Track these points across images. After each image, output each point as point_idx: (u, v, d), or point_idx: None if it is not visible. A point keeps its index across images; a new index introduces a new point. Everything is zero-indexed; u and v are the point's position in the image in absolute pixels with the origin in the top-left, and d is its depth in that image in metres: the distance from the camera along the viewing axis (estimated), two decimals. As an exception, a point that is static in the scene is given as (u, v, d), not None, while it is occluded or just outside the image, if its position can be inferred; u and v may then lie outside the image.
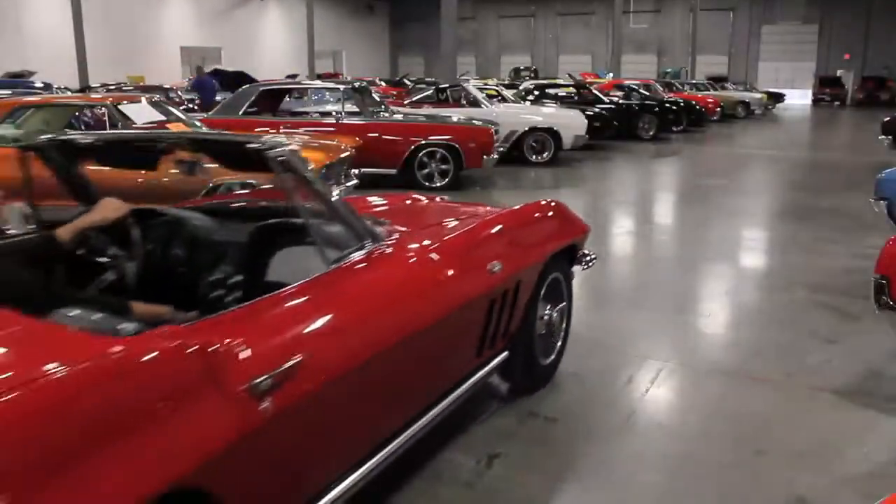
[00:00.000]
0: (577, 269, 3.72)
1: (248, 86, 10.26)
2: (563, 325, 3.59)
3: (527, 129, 12.19)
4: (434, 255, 2.60)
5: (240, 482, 1.67)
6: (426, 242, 2.66)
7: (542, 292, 3.28)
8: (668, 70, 41.36)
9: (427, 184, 9.45)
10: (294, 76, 28.85)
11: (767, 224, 7.80)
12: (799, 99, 38.27)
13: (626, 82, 21.00)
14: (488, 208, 3.59)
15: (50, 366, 1.39)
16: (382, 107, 10.23)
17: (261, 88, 10.02)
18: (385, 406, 2.33)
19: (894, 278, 3.24)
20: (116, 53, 29.43)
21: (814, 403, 3.38)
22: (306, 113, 10.73)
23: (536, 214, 3.44)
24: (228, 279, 2.59)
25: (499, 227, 3.08)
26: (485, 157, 9.38)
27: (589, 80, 25.13)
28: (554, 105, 14.68)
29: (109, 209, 2.61)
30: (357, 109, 9.68)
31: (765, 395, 3.46)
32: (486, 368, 2.94)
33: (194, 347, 1.62)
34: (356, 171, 7.80)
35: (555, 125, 12.12)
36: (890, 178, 5.91)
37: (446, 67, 17.07)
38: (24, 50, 26.93)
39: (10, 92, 12.31)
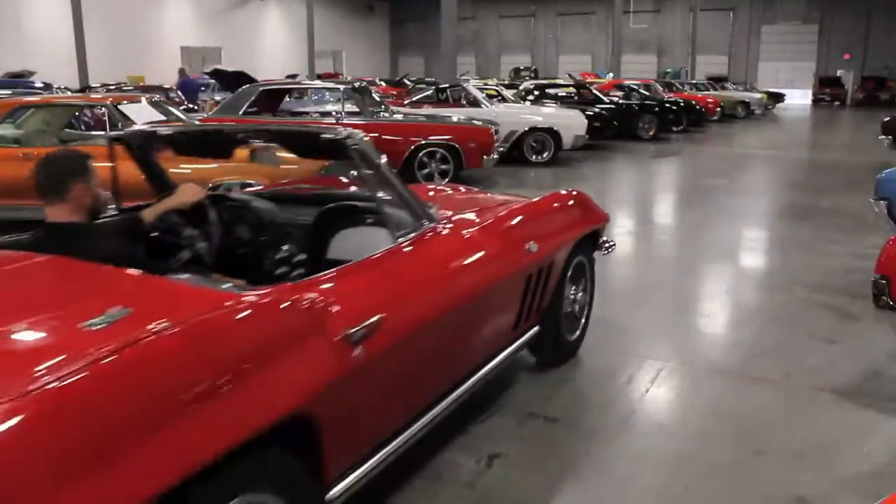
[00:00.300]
0: (597, 254, 3.98)
1: (248, 86, 10.25)
2: (587, 305, 3.90)
3: (527, 129, 12.19)
4: (482, 235, 2.94)
5: (337, 411, 1.98)
6: (474, 224, 3.00)
7: (569, 274, 3.60)
8: (668, 70, 41.36)
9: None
10: (294, 76, 28.85)
11: (767, 224, 7.80)
12: (799, 99, 38.27)
13: (626, 82, 21.00)
14: (516, 197, 3.80)
15: (200, 312, 1.77)
16: (382, 107, 10.23)
17: (261, 88, 10.02)
18: (446, 361, 2.69)
19: (894, 278, 3.24)
20: (116, 53, 29.42)
21: (814, 403, 3.38)
22: (306, 113, 10.73)
23: (562, 203, 3.74)
24: (293, 257, 2.92)
25: (531, 212, 3.42)
26: (485, 157, 9.39)
27: (589, 80, 25.13)
28: (554, 105, 14.68)
29: (189, 193, 2.88)
30: (357, 109, 9.68)
31: (765, 395, 3.46)
32: (522, 340, 3.28)
33: (305, 301, 1.98)
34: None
35: (555, 125, 12.12)
36: (890, 178, 5.91)
37: (446, 67, 17.07)
38: (24, 50, 26.93)
39: (10, 92, 12.32)
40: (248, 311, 1.86)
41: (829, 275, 5.56)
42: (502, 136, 11.48)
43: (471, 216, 3.08)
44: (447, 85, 14.07)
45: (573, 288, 3.69)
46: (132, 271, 2.07)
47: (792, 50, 42.45)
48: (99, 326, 1.66)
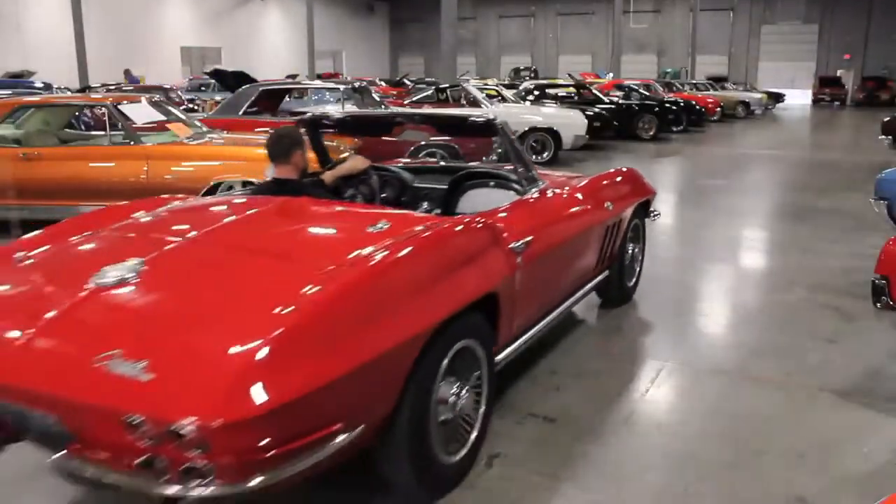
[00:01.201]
0: (647, 220, 4.95)
1: (248, 86, 10.26)
2: (640, 259, 4.96)
3: (527, 129, 12.19)
4: (578, 194, 3.92)
5: (508, 295, 2.93)
6: (569, 187, 3.95)
7: (629, 234, 4.55)
8: (668, 70, 41.38)
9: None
10: (294, 76, 28.85)
11: (767, 224, 7.80)
12: (799, 99, 38.29)
13: (626, 82, 21.01)
14: (573, 174, 4.73)
15: (430, 227, 2.71)
16: (382, 107, 10.23)
17: (261, 88, 10.02)
18: (561, 277, 3.68)
19: (894, 278, 3.25)
20: (116, 53, 29.42)
21: (814, 403, 3.38)
22: (306, 113, 10.72)
23: (623, 176, 4.62)
24: (430, 212, 3.88)
25: (604, 181, 4.33)
26: (484, 157, 9.38)
27: (589, 80, 25.15)
28: (554, 105, 14.68)
29: (359, 162, 3.92)
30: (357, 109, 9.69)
31: (765, 395, 3.46)
32: (597, 280, 4.23)
33: (489, 223, 2.96)
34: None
35: (555, 125, 12.12)
36: (890, 178, 5.91)
37: (446, 67, 17.07)
38: (24, 50, 26.92)
39: (10, 92, 12.32)
40: (461, 227, 2.82)
41: (829, 275, 5.56)
42: (502, 136, 11.46)
43: (561, 182, 4.05)
44: (447, 85, 14.07)
45: (631, 244, 4.68)
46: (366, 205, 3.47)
47: (792, 50, 42.46)
48: (379, 229, 2.67)
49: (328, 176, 3.80)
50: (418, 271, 2.45)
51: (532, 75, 37.37)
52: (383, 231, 2.65)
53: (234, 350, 1.94)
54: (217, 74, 14.98)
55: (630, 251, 4.66)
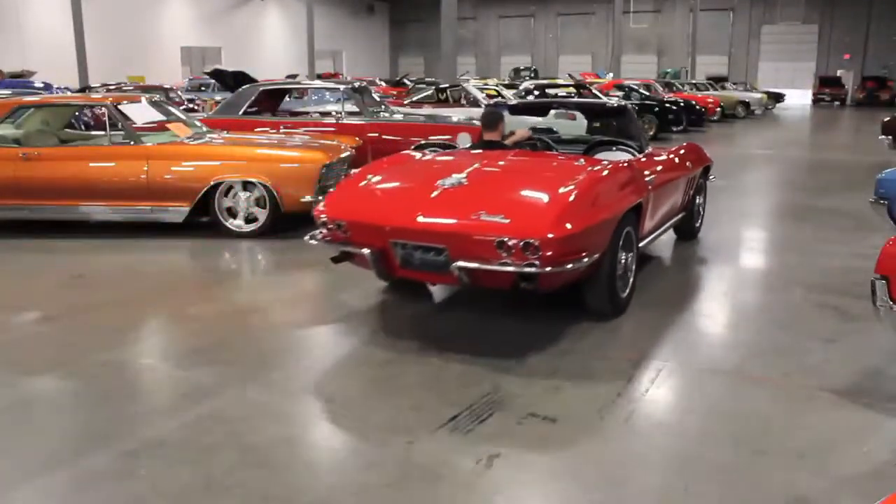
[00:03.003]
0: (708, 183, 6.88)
1: (248, 86, 10.25)
2: (703, 210, 6.81)
3: (527, 128, 12.16)
4: (671, 156, 5.80)
5: (645, 208, 4.72)
6: (665, 151, 5.91)
7: (695, 189, 6.36)
8: (668, 70, 41.35)
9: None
10: (294, 76, 28.85)
11: (767, 224, 7.80)
12: (799, 99, 38.28)
13: (626, 82, 21.00)
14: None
15: (608, 163, 4.57)
16: (382, 107, 10.22)
17: (261, 88, 10.01)
18: (666, 205, 5.45)
19: (894, 278, 3.24)
20: (116, 54, 29.42)
21: (814, 403, 3.38)
22: (306, 113, 10.72)
23: (692, 147, 6.45)
24: None
25: (682, 150, 6.11)
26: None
27: (589, 80, 25.13)
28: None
29: (525, 133, 5.64)
30: (357, 109, 9.67)
31: (765, 395, 3.46)
32: (678, 217, 5.96)
33: (635, 164, 4.81)
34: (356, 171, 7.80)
35: (555, 125, 12.08)
36: (890, 178, 5.91)
37: (446, 67, 17.07)
38: (24, 50, 26.93)
39: (10, 92, 12.32)
40: (626, 163, 4.68)
41: (829, 275, 5.56)
42: (502, 136, 11.46)
43: (657, 150, 5.83)
44: (447, 85, 14.07)
45: (697, 197, 6.54)
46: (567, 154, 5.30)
47: (792, 50, 42.45)
48: (581, 163, 4.54)
49: (509, 141, 5.42)
50: (611, 183, 4.39)
51: (532, 75, 37.37)
52: (584, 164, 4.59)
53: (547, 206, 3.93)
54: (217, 74, 14.96)
55: (697, 201, 6.56)
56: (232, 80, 12.74)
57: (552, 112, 6.25)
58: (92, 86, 19.65)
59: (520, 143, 5.46)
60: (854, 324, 4.42)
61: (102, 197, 6.61)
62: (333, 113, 9.86)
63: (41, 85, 15.66)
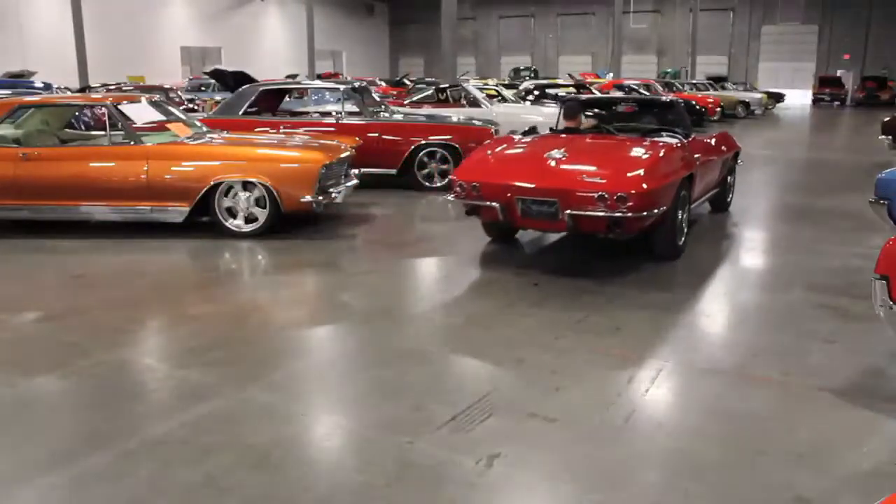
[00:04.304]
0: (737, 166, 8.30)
1: (248, 86, 10.24)
2: (732, 188, 8.30)
3: (527, 129, 12.17)
4: (710, 140, 7.16)
5: (695, 179, 6.15)
6: (705, 136, 7.24)
7: (728, 170, 7.84)
8: (668, 70, 41.35)
9: (427, 184, 9.45)
10: (294, 76, 28.84)
11: (767, 224, 7.80)
12: (799, 99, 38.25)
13: (626, 82, 21.00)
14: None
15: (665, 142, 6.10)
16: (382, 107, 10.21)
17: (261, 88, 10.00)
18: (707, 180, 6.72)
19: (894, 278, 3.24)
20: (116, 54, 29.42)
21: (814, 403, 3.38)
22: (306, 113, 10.72)
23: (724, 134, 7.80)
24: None
25: (718, 138, 7.48)
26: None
27: (589, 80, 25.14)
28: (554, 105, 14.66)
29: (593, 122, 7.06)
30: (357, 109, 9.67)
31: (765, 395, 3.46)
32: (713, 192, 7.28)
33: (686, 145, 6.29)
34: (356, 171, 7.81)
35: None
36: (890, 178, 5.91)
37: (446, 67, 17.07)
38: (24, 50, 26.92)
39: (10, 92, 12.31)
40: (679, 143, 6.17)
41: (829, 275, 5.56)
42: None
43: (699, 137, 6.99)
44: (447, 85, 14.06)
45: (729, 176, 7.99)
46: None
47: (792, 50, 42.45)
48: (648, 143, 6.04)
49: (583, 127, 6.93)
50: (673, 156, 5.77)
51: (532, 75, 37.36)
52: (651, 143, 5.97)
53: (632, 170, 5.29)
54: (217, 74, 14.94)
55: (729, 179, 8.03)
56: (232, 81, 12.70)
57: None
58: (92, 86, 19.64)
59: (590, 129, 6.90)
60: (854, 324, 4.42)
61: (102, 197, 6.61)
62: (333, 113, 9.86)
63: (41, 85, 15.64)
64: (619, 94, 16.93)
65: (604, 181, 5.22)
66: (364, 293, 5.13)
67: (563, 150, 5.69)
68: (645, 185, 5.15)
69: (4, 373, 3.74)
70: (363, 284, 5.35)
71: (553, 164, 5.53)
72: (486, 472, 2.79)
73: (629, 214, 5.11)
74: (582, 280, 5.41)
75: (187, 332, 4.35)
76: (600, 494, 2.66)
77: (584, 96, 8.59)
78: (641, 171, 5.28)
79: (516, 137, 6.56)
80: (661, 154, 5.67)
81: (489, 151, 6.14)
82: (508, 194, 5.47)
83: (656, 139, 6.22)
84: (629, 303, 4.88)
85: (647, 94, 16.72)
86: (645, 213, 5.15)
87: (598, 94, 12.99)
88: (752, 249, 6.59)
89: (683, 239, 6.06)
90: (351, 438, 3.12)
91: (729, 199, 8.13)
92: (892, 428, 3.16)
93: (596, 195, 5.14)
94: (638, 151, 5.73)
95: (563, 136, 6.52)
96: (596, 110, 7.60)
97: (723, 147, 7.35)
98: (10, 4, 27.30)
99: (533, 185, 5.41)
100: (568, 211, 5.24)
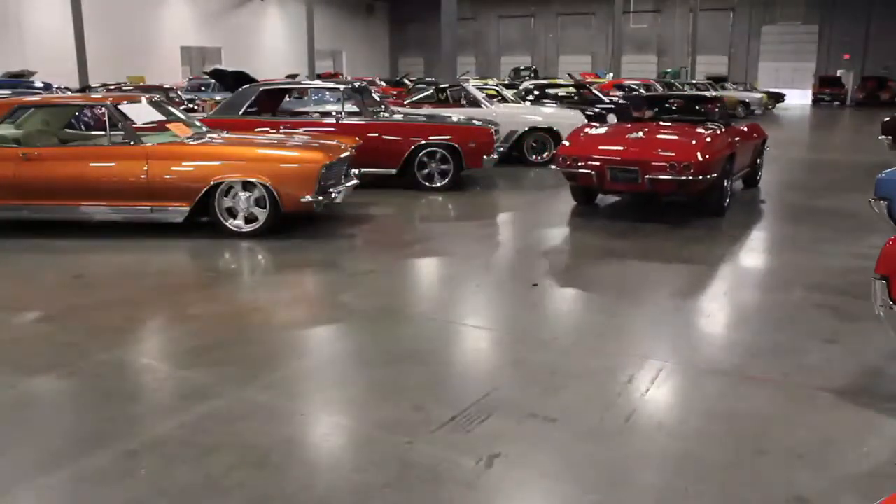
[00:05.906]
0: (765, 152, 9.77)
1: (248, 86, 10.24)
2: (761, 167, 10.12)
3: (527, 129, 12.19)
4: (744, 128, 9.14)
5: (732, 159, 7.98)
6: (739, 125, 9.23)
7: (758, 154, 9.73)
8: (668, 70, 41.36)
9: (427, 184, 9.45)
10: (294, 76, 28.85)
11: (767, 224, 7.80)
12: (799, 99, 38.27)
13: (626, 82, 21.00)
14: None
15: (714, 129, 8.03)
16: (382, 107, 10.21)
17: (261, 88, 10.00)
18: (743, 158, 8.68)
19: (894, 278, 3.24)
20: (116, 53, 29.41)
21: (814, 403, 3.38)
22: (306, 113, 10.72)
23: (755, 126, 9.65)
24: None
25: (749, 127, 9.37)
26: (485, 157, 9.39)
27: (589, 80, 25.14)
28: (554, 105, 14.67)
29: (651, 113, 9.27)
30: (357, 109, 9.67)
31: (765, 395, 3.46)
32: (746, 170, 9.24)
33: (726, 132, 8.16)
34: (356, 171, 7.81)
35: (555, 125, 12.11)
36: (890, 178, 5.91)
37: (446, 67, 17.07)
38: (24, 50, 26.92)
39: (10, 92, 12.31)
40: (723, 129, 8.08)
41: (829, 275, 5.56)
42: (502, 136, 11.47)
43: (735, 126, 8.69)
44: (447, 85, 14.06)
45: (758, 159, 9.70)
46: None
47: (792, 50, 42.46)
48: (714, 129, 7.99)
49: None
50: (721, 138, 7.69)
51: (532, 75, 37.35)
52: (703, 129, 7.83)
53: (694, 146, 7.27)
54: (217, 74, 14.97)
55: (758, 161, 9.79)
56: (232, 80, 12.74)
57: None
58: (92, 86, 19.64)
59: (652, 118, 8.98)
60: (854, 324, 4.42)
61: (102, 197, 6.62)
62: (333, 113, 9.85)
63: (41, 85, 15.64)
64: (667, 92, 20.07)
65: (673, 154, 7.13)
66: (364, 293, 5.13)
67: (640, 132, 7.78)
68: (701, 157, 7.06)
69: (4, 373, 3.74)
70: (363, 284, 5.35)
71: (635, 141, 7.57)
72: (486, 472, 2.79)
73: (691, 178, 7.02)
74: (582, 280, 5.40)
75: (187, 331, 4.35)
76: (600, 494, 2.66)
77: (646, 94, 12.00)
78: (700, 147, 7.21)
79: (596, 124, 9.46)
80: (712, 136, 7.57)
81: (581, 134, 8.12)
82: (601, 164, 7.43)
83: (704, 127, 8.05)
84: (628, 308, 4.87)
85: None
86: (702, 177, 7.05)
87: (657, 92, 16.73)
88: (752, 250, 6.59)
89: (727, 202, 7.93)
90: (351, 438, 3.12)
91: (758, 177, 10.06)
92: (892, 428, 3.16)
93: (668, 164, 7.08)
94: (695, 134, 7.63)
95: (636, 123, 8.73)
96: (655, 104, 9.88)
97: (754, 134, 9.37)
98: (10, 4, 27.30)
99: (620, 158, 7.39)
100: (648, 176, 7.15)
